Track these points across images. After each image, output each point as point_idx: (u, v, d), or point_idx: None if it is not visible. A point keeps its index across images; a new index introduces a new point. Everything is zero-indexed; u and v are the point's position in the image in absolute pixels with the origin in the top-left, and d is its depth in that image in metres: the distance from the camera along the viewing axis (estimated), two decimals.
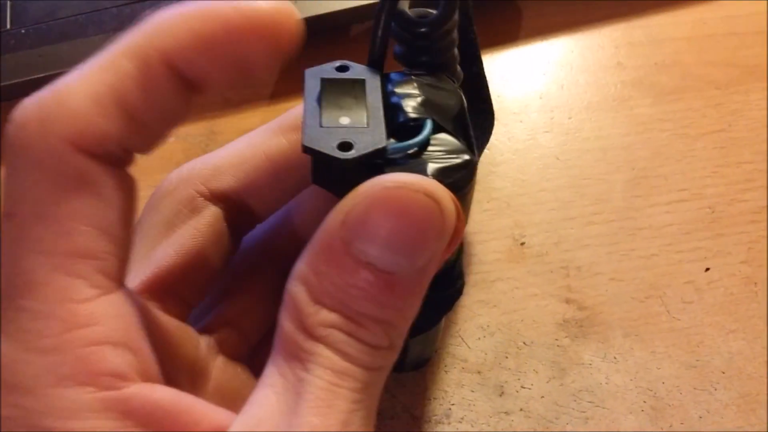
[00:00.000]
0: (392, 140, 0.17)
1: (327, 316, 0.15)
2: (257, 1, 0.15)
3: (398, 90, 0.19)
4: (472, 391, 0.25)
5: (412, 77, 0.20)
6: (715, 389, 0.25)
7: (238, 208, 0.20)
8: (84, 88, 0.14)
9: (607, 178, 0.30)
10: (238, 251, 0.21)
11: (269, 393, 0.15)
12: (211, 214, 0.20)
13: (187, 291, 0.19)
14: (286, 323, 0.15)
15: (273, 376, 0.15)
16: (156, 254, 0.18)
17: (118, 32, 0.34)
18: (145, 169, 0.32)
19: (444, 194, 0.15)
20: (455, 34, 0.23)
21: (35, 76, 0.30)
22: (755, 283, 0.27)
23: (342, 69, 0.18)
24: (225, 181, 0.20)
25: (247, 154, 0.20)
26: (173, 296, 0.18)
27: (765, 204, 0.28)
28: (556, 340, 0.26)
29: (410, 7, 0.21)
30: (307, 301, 0.15)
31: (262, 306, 0.21)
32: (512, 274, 0.27)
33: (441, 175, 0.17)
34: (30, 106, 0.15)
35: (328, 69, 0.18)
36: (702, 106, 0.31)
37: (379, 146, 0.16)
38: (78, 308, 0.14)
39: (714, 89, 0.32)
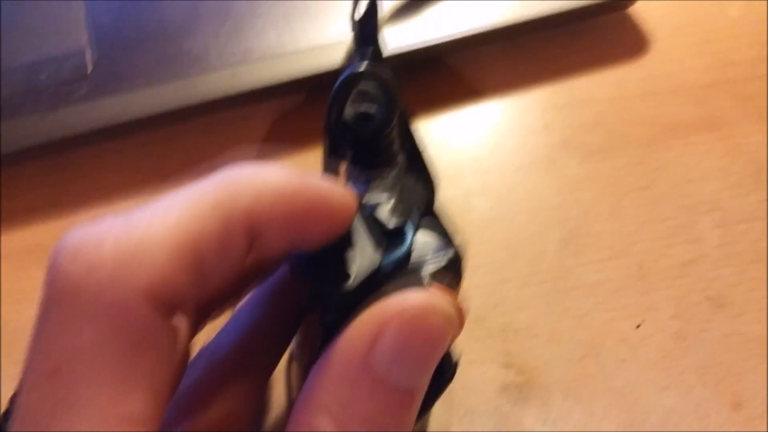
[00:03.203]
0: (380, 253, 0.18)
1: None
2: (335, 189, 0.16)
3: (369, 200, 0.20)
4: None
5: (377, 182, 0.20)
6: None
7: (197, 315, 0.20)
8: (167, 236, 0.13)
9: (540, 239, 0.31)
10: (202, 364, 0.20)
11: None
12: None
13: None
14: None
15: None
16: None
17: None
18: None
19: (452, 310, 0.16)
20: (395, 131, 0.23)
21: None
22: (685, 338, 0.27)
23: None
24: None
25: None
26: None
27: (690, 258, 0.30)
28: (497, 407, 0.26)
29: (351, 103, 0.22)
30: None
31: (235, 422, 0.20)
32: None
33: (438, 279, 0.18)
34: (101, 244, 0.13)
35: None
36: (626, 165, 0.33)
37: (375, 267, 0.17)
38: None
39: (637, 147, 0.33)
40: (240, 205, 0.14)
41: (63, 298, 0.13)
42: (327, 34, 0.33)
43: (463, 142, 0.34)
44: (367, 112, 0.22)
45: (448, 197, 0.32)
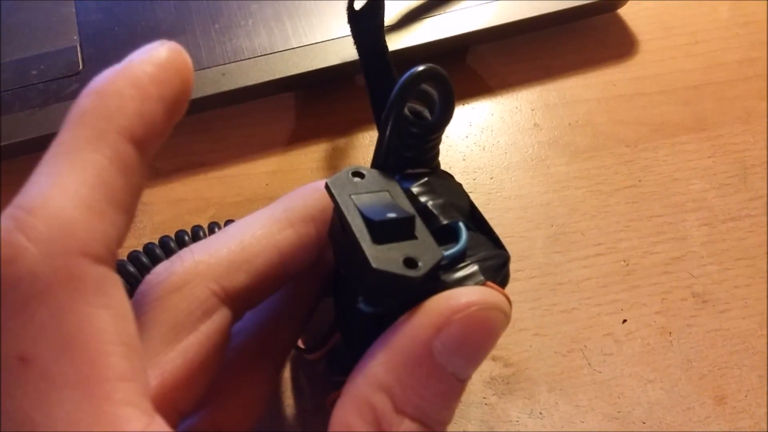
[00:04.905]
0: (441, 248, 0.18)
1: (409, 426, 0.16)
2: (157, 49, 0.16)
3: (421, 196, 0.20)
4: None
5: (427, 179, 0.21)
6: None
7: (246, 306, 0.20)
8: (67, 195, 0.13)
9: (528, 236, 0.31)
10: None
11: None
12: (222, 317, 0.18)
13: (187, 404, 0.18)
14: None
15: None
16: (163, 362, 0.17)
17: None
18: None
19: (508, 308, 0.17)
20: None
21: None
22: (670, 333, 0.28)
23: (357, 175, 0.19)
24: (239, 279, 0.18)
25: (258, 247, 0.19)
26: (173, 409, 0.17)
27: (676, 255, 0.30)
28: (484, 398, 0.26)
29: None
30: (390, 411, 0.16)
31: (251, 410, 0.20)
32: None
33: (492, 277, 0.18)
34: (14, 235, 0.13)
35: (345, 177, 0.19)
36: (614, 164, 0.33)
37: (438, 258, 0.17)
38: None
39: (624, 147, 0.34)
40: (112, 126, 0.15)
41: (7, 295, 0.13)
42: (317, 33, 0.34)
43: (453, 141, 0.34)
44: (423, 112, 0.22)
45: None
